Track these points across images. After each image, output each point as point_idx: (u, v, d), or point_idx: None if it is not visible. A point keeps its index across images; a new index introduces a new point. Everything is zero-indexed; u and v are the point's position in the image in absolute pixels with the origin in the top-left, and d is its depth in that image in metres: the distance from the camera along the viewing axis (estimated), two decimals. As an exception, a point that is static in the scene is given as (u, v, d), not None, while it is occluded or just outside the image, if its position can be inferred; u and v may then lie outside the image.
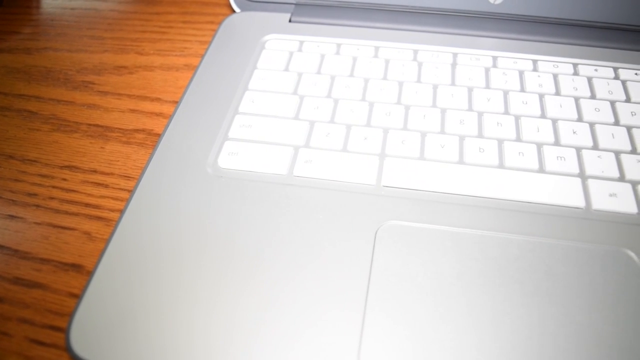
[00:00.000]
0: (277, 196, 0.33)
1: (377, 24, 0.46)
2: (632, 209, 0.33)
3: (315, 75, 0.41)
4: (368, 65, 0.42)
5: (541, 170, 0.35)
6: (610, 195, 0.33)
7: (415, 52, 0.43)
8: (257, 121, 0.38)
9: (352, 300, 0.29)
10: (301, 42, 0.45)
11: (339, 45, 0.44)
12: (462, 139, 0.37)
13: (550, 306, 0.28)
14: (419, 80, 0.41)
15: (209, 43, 0.46)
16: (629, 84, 0.41)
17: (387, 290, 0.29)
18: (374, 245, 0.31)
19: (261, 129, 0.37)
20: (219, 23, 0.49)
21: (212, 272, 0.30)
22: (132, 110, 0.43)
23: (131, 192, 0.35)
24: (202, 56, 0.44)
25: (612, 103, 0.39)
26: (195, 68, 0.45)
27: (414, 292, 0.29)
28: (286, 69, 0.42)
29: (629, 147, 0.36)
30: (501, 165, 0.35)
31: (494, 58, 0.43)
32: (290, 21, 0.47)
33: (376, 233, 0.31)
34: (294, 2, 0.47)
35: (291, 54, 0.44)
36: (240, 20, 0.47)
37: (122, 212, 0.33)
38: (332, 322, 0.28)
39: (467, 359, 0.27)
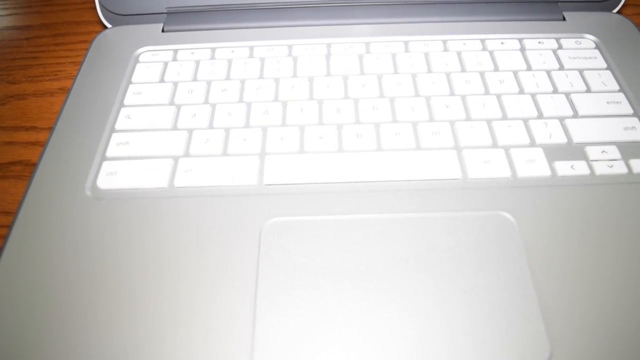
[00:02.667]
0: (159, 211, 0.33)
1: (251, 24, 0.45)
2: (506, 172, 0.34)
3: (191, 83, 0.41)
4: (243, 66, 0.42)
5: (418, 147, 0.36)
6: (485, 162, 0.34)
7: (290, 47, 0.43)
8: (134, 137, 0.37)
9: (242, 304, 0.28)
10: (175, 51, 0.44)
11: (213, 50, 0.44)
12: (339, 127, 0.37)
13: (438, 278, 0.29)
14: (295, 75, 0.41)
15: (81, 63, 0.44)
16: (496, 53, 0.42)
17: (275, 287, 0.29)
18: (259, 245, 0.31)
19: (139, 144, 0.37)
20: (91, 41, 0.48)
21: (99, 304, 0.29)
22: (7, 143, 0.41)
23: (9, 228, 0.33)
24: (75, 77, 0.43)
25: (482, 74, 0.41)
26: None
27: (302, 285, 0.29)
28: (161, 80, 0.41)
29: (499, 114, 0.37)
30: (379, 148, 0.35)
31: (367, 44, 0.43)
32: (163, 31, 0.46)
33: (260, 233, 0.31)
34: (166, 11, 0.46)
35: (166, 64, 0.43)
36: (112, 36, 0.46)
37: (0, 250, 0.31)
38: (223, 328, 0.27)
39: (363, 343, 0.27)
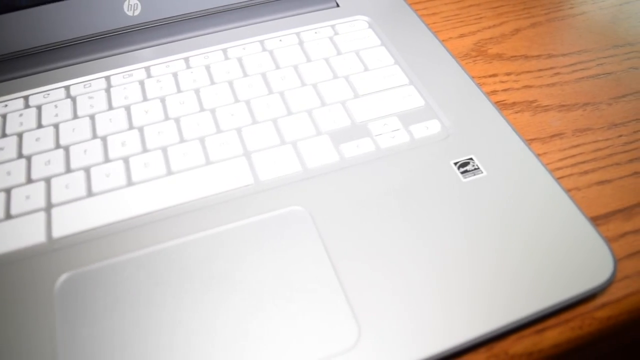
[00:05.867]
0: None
1: (22, 72, 0.43)
2: (296, 167, 0.34)
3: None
4: (18, 119, 0.39)
5: (208, 162, 0.35)
6: (275, 161, 0.35)
7: (67, 89, 0.41)
8: None
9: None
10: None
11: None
12: (126, 161, 0.35)
13: (244, 285, 0.29)
14: (75, 116, 0.39)
15: None
16: (275, 52, 0.43)
17: (80, 352, 0.27)
18: (53, 306, 0.29)
19: None
20: None
21: None
22: None
23: None
24: None
25: (263, 75, 0.41)
26: None
27: (102, 336, 0.27)
28: None
29: (284, 111, 0.38)
30: (170, 172, 0.35)
31: (147, 68, 0.42)
32: None
33: (53, 292, 0.29)
34: None
35: None
36: None
37: None
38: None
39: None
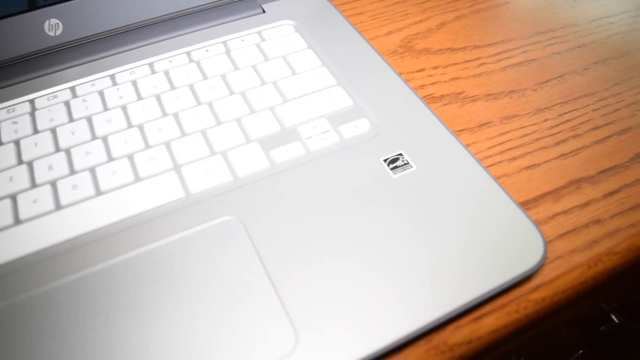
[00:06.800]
0: None
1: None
2: (227, 177, 0.34)
3: None
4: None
5: (137, 179, 0.35)
6: (205, 173, 0.34)
7: (-10, 115, 0.40)
8: None
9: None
10: None
11: None
12: (53, 184, 0.35)
13: (181, 304, 0.29)
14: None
15: None
16: (202, 62, 0.42)
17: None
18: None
19: None
20: None
21: None
22: None
23: None
24: None
25: (191, 86, 0.40)
26: None
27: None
28: None
29: (213, 122, 0.37)
30: (99, 193, 0.34)
31: (72, 89, 0.41)
32: None
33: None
34: None
35: None
36: None
37: None
38: None
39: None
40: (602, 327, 0.47)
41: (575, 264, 0.32)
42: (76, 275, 0.30)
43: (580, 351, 0.49)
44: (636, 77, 0.44)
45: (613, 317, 0.47)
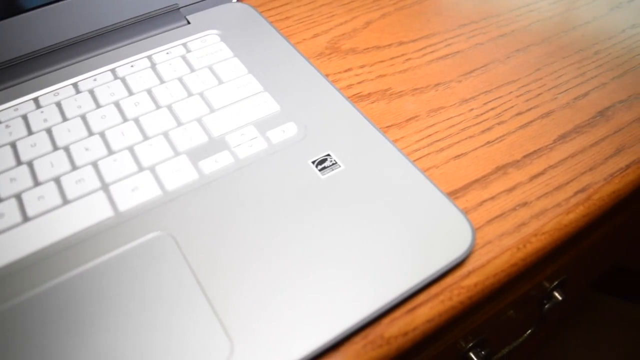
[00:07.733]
0: None
1: None
2: (156, 191, 0.34)
3: None
4: None
5: (65, 202, 0.34)
6: (133, 190, 0.34)
7: None
8: None
9: None
10: None
11: None
12: (-22, 214, 0.34)
13: (116, 323, 0.28)
14: None
15: None
16: (127, 78, 0.42)
17: None
18: None
19: None
20: None
21: None
22: None
23: None
24: None
25: (117, 103, 0.40)
26: None
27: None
28: None
29: (140, 137, 0.37)
30: (26, 219, 0.33)
31: (-5, 115, 0.40)
32: None
33: None
34: None
35: None
36: None
37: None
38: None
39: None
40: (546, 306, 0.49)
41: (505, 248, 0.33)
42: (4, 306, 0.29)
43: (529, 330, 0.50)
44: (556, 62, 0.45)
45: (556, 294, 0.48)
